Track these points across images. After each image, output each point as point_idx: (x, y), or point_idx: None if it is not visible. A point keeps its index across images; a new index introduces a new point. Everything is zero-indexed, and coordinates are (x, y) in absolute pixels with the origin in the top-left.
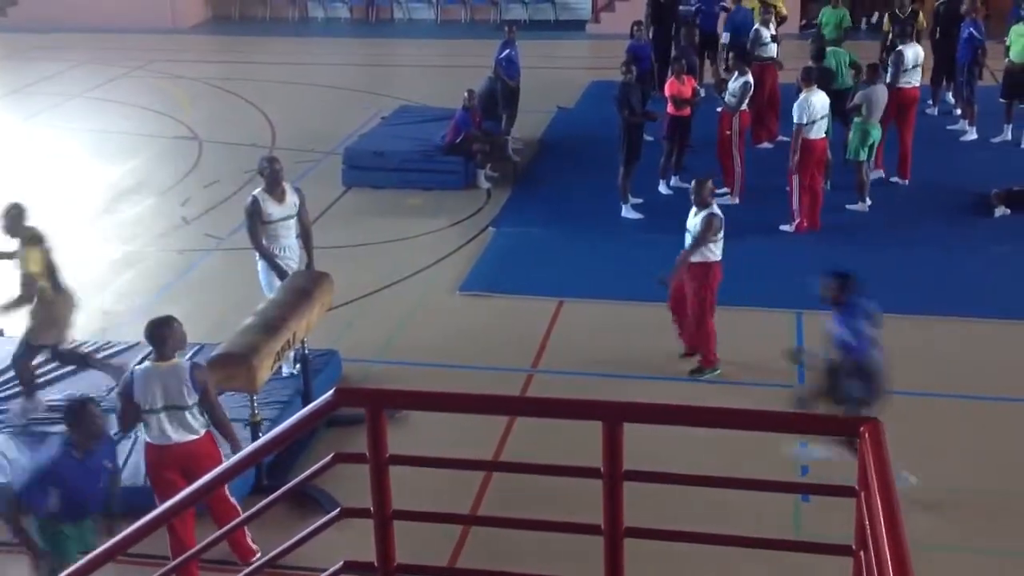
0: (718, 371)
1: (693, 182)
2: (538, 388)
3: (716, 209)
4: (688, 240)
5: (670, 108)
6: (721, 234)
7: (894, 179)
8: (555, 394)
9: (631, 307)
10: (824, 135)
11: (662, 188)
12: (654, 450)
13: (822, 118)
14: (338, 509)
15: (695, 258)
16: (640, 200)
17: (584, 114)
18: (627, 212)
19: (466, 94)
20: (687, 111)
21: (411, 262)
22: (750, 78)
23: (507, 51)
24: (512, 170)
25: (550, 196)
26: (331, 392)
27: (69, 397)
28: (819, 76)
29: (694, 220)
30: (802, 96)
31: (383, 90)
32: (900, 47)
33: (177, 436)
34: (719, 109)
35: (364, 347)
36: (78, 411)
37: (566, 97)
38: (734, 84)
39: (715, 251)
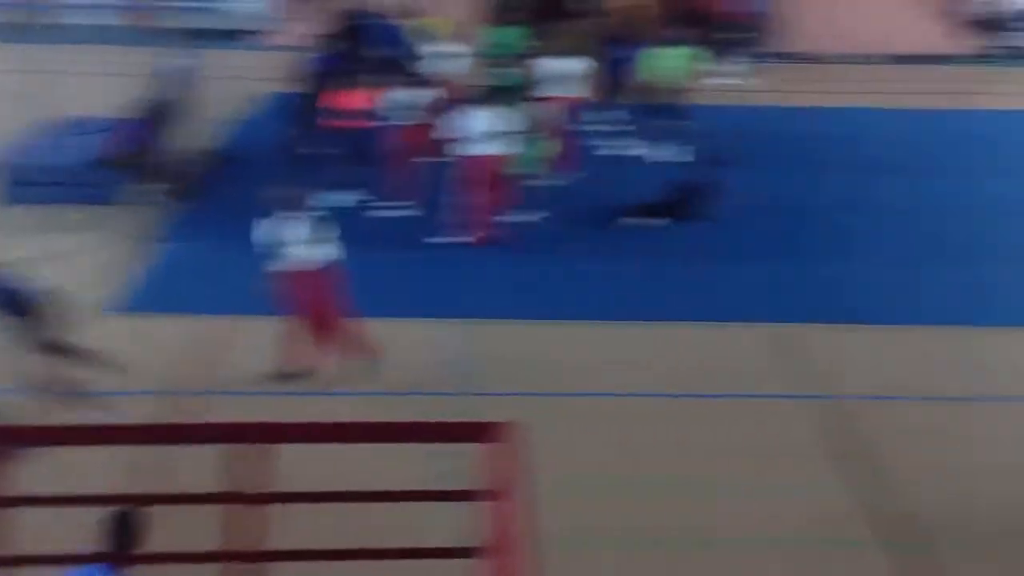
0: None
1: (284, 190)
2: (215, 410)
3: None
4: (298, 248)
5: (340, 121)
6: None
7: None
8: (227, 416)
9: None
10: (492, 152)
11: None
12: (303, 470)
13: (487, 135)
14: None
15: (313, 264)
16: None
17: (260, 127)
18: None
19: (133, 104)
20: (360, 123)
21: (69, 281)
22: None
23: (177, 60)
24: (183, 184)
25: (224, 210)
26: None
27: None
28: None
29: (299, 227)
30: (464, 113)
31: (40, 99)
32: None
33: None
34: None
35: (5, 377)
36: None
37: (239, 109)
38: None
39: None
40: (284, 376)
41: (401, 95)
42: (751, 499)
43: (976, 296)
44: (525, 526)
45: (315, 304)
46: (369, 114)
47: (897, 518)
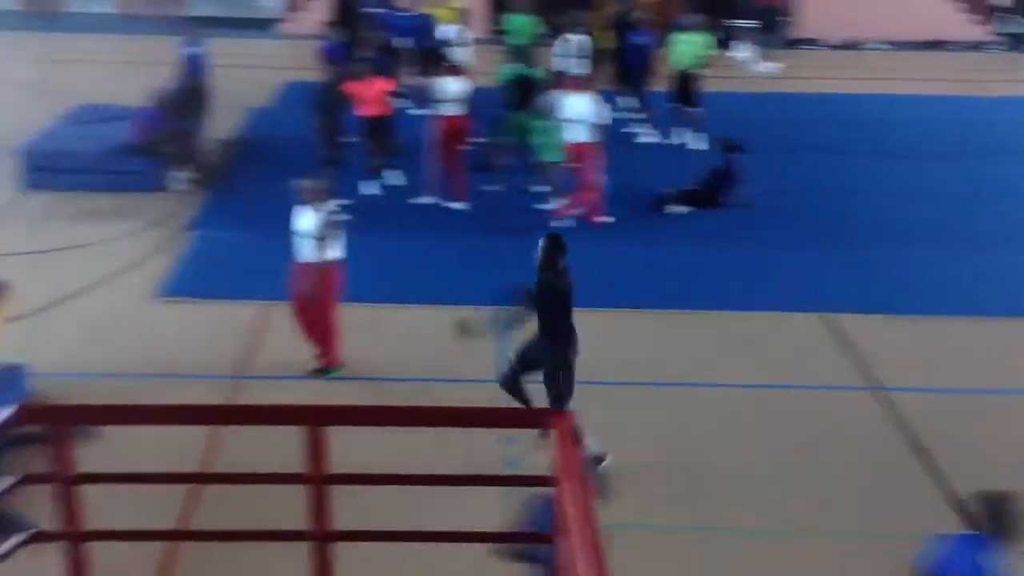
0: (340, 371)
1: (301, 182)
2: (247, 395)
3: (333, 209)
4: (305, 242)
5: (357, 109)
6: (340, 233)
7: None
8: (265, 400)
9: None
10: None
11: (366, 189)
12: (362, 454)
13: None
14: (31, 531)
15: (315, 259)
16: (349, 201)
17: (280, 115)
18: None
19: (153, 92)
20: (376, 111)
21: (102, 268)
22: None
23: (194, 49)
24: (207, 171)
25: (249, 198)
26: (13, 409)
27: None
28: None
29: (311, 221)
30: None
31: (60, 87)
32: None
33: None
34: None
35: (55, 360)
36: None
37: (260, 97)
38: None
39: (335, 251)
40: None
41: (442, 84)
42: (800, 488)
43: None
44: (592, 511)
45: (310, 298)
46: (393, 102)
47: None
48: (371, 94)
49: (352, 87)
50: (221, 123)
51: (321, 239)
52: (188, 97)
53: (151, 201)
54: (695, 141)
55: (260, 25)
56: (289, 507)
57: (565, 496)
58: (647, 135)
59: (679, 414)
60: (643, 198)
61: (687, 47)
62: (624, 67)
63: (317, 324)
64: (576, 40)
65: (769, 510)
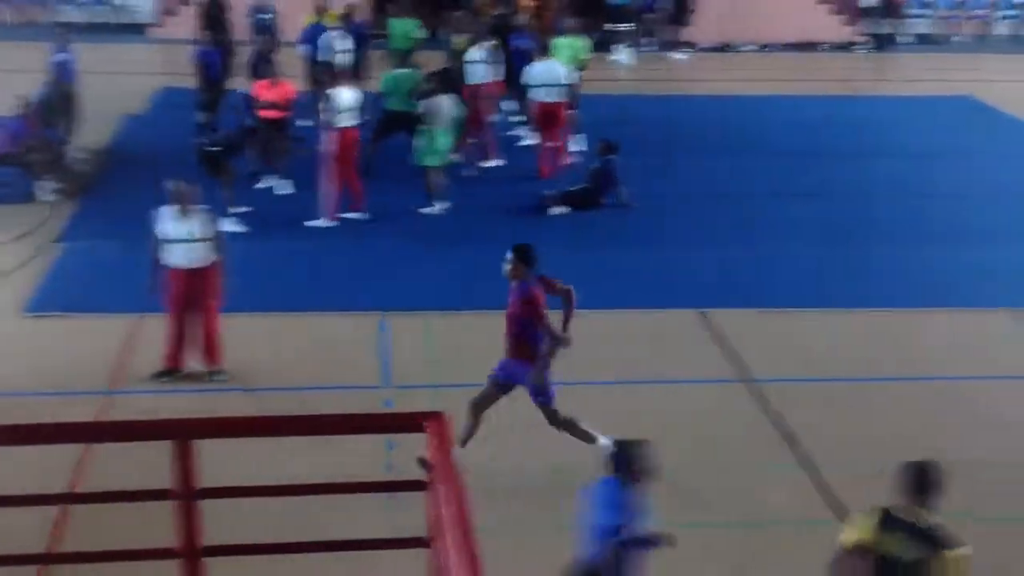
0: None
1: (174, 184)
2: (119, 410)
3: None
4: (178, 247)
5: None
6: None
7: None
8: (140, 414)
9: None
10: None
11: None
12: (236, 466)
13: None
14: None
15: (190, 263)
16: (244, 209)
17: (154, 121)
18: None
19: (20, 100)
20: (276, 113)
21: None
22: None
23: (62, 55)
24: (76, 181)
25: (121, 207)
26: None
27: None
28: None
29: (186, 225)
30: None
31: None
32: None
33: None
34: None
35: None
36: None
37: (134, 104)
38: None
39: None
40: (158, 375)
41: (336, 94)
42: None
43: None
44: (466, 513)
45: (187, 302)
46: (286, 106)
47: None
48: (276, 96)
49: (257, 87)
50: (93, 130)
51: (198, 242)
52: (57, 104)
53: (18, 212)
54: (573, 143)
55: (133, 30)
56: (165, 524)
57: (440, 497)
58: (529, 139)
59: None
60: (526, 199)
61: (566, 51)
62: (506, 71)
63: (196, 330)
64: (488, 45)
65: None
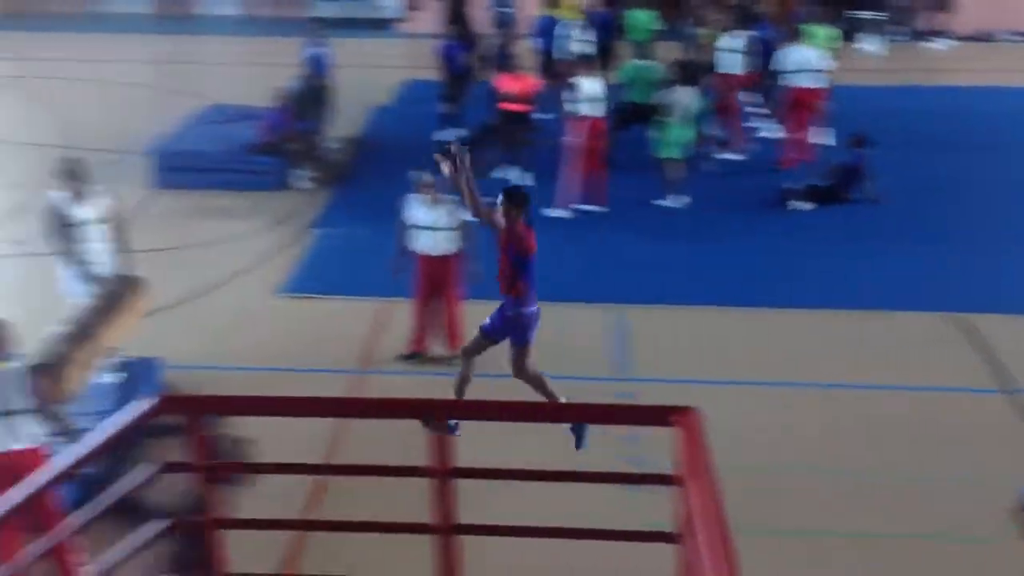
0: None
1: (419, 175)
2: (368, 389)
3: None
4: (425, 234)
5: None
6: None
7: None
8: (384, 395)
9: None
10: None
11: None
12: (484, 448)
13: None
14: (170, 520)
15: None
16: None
17: (401, 113)
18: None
19: (278, 93)
20: (519, 107)
21: (229, 265)
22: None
23: (316, 49)
24: (329, 170)
25: (371, 195)
26: (153, 399)
27: None
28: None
29: (434, 213)
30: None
31: (188, 88)
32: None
33: (3, 444)
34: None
35: (186, 353)
36: None
37: (380, 96)
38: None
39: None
40: (403, 357)
41: (579, 84)
42: (918, 490)
43: None
44: (719, 509)
45: (432, 288)
46: (529, 99)
47: None
48: (520, 89)
49: (501, 80)
50: (345, 122)
51: (444, 230)
52: (311, 97)
53: (276, 199)
54: (819, 135)
55: (380, 25)
56: (411, 500)
57: (691, 494)
58: (769, 130)
59: (786, 414)
60: (765, 192)
61: (818, 38)
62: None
63: (440, 316)
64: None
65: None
